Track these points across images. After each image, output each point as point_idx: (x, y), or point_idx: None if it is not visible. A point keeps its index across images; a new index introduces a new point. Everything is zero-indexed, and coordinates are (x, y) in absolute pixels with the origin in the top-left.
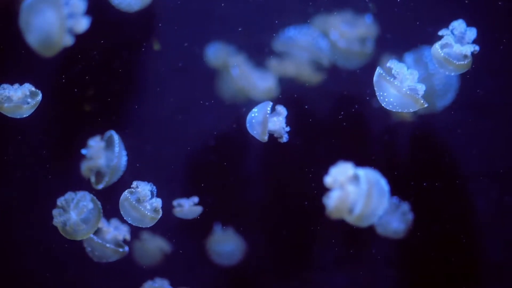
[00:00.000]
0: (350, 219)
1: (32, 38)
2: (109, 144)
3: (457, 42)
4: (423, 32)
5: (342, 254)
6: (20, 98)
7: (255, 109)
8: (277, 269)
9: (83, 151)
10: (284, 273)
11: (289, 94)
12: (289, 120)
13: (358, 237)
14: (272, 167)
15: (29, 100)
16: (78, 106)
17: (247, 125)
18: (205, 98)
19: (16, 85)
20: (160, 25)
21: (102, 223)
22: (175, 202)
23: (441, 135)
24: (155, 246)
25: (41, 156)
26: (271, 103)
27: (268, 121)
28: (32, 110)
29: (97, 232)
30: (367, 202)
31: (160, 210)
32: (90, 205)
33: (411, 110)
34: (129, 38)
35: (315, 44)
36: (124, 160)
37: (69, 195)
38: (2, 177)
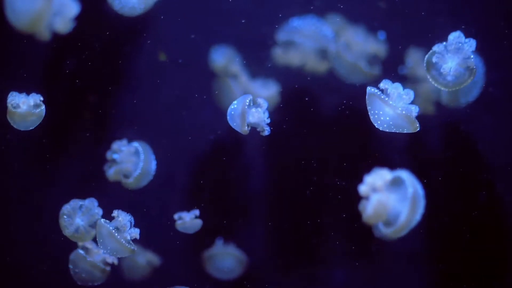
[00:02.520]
0: (394, 228)
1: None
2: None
3: (453, 55)
4: (427, 26)
5: (343, 249)
6: (31, 106)
7: (235, 101)
8: (278, 264)
9: (114, 156)
10: (285, 267)
11: (290, 86)
12: (290, 112)
13: (359, 233)
14: (273, 160)
15: (35, 110)
16: (77, 100)
17: (228, 117)
18: (205, 92)
19: (24, 94)
20: (162, 17)
21: (92, 244)
22: (176, 216)
23: (443, 131)
24: (144, 260)
25: (41, 150)
26: (250, 96)
27: (247, 113)
28: (39, 122)
29: (86, 252)
30: (412, 208)
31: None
32: (101, 212)
33: (405, 131)
34: (130, 34)
35: (319, 32)
36: (154, 164)
37: (74, 202)
38: (1, 172)
